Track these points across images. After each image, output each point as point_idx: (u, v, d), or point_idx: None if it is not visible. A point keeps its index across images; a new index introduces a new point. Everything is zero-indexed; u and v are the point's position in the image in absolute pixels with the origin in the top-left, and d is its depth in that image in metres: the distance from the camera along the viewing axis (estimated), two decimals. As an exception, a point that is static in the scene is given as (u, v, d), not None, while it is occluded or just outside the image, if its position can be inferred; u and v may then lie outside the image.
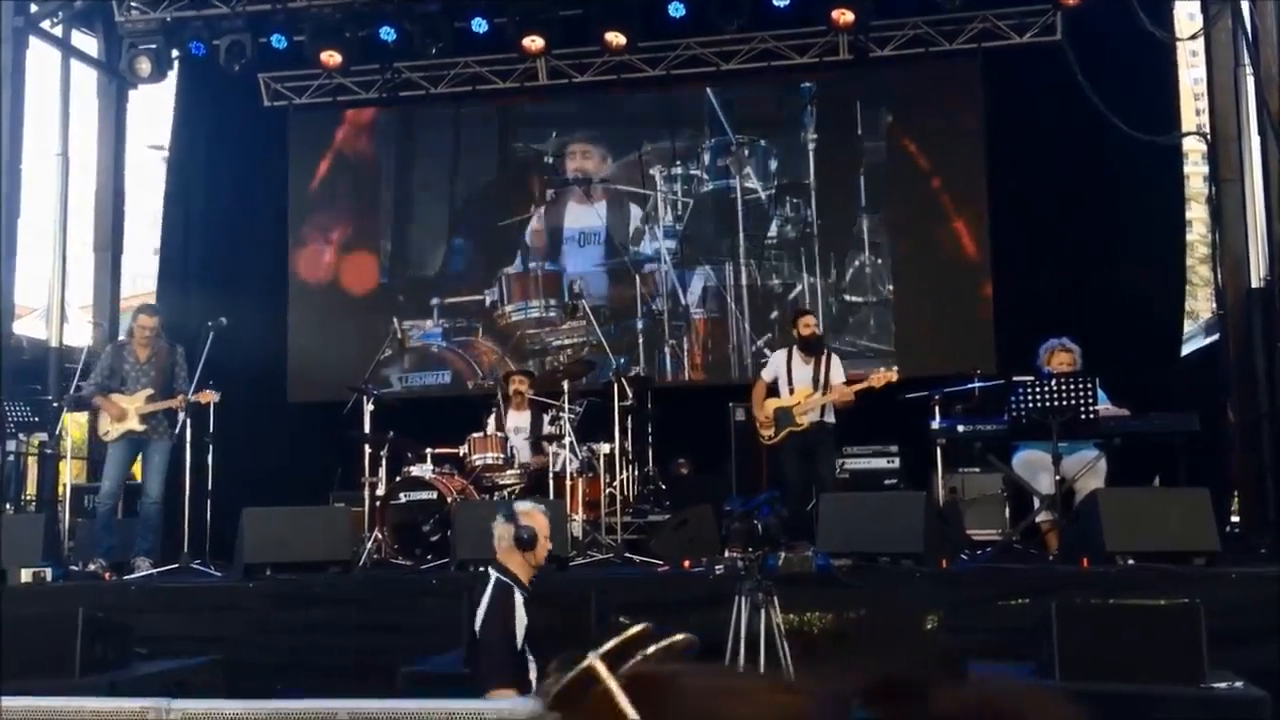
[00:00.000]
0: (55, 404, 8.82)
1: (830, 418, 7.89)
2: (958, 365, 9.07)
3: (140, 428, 7.76)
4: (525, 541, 4.80)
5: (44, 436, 9.25)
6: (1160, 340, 9.70)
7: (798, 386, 7.91)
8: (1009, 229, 10.17)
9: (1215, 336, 9.66)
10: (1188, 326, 10.43)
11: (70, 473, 9.52)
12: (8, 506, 9.30)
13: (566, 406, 8.27)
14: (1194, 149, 10.34)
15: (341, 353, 10.84)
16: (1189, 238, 10.65)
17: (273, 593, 6.69)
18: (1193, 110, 11.45)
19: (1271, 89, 8.09)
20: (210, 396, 7.75)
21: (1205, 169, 9.65)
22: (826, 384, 7.84)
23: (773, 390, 8.04)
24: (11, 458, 9.77)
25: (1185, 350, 10.13)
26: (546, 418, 8.65)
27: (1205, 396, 8.87)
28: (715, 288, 10.76)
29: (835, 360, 8.04)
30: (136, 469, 8.23)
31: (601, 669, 0.73)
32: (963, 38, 10.21)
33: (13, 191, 9.59)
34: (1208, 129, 9.25)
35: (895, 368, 7.90)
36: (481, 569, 5.30)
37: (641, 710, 0.71)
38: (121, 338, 8.14)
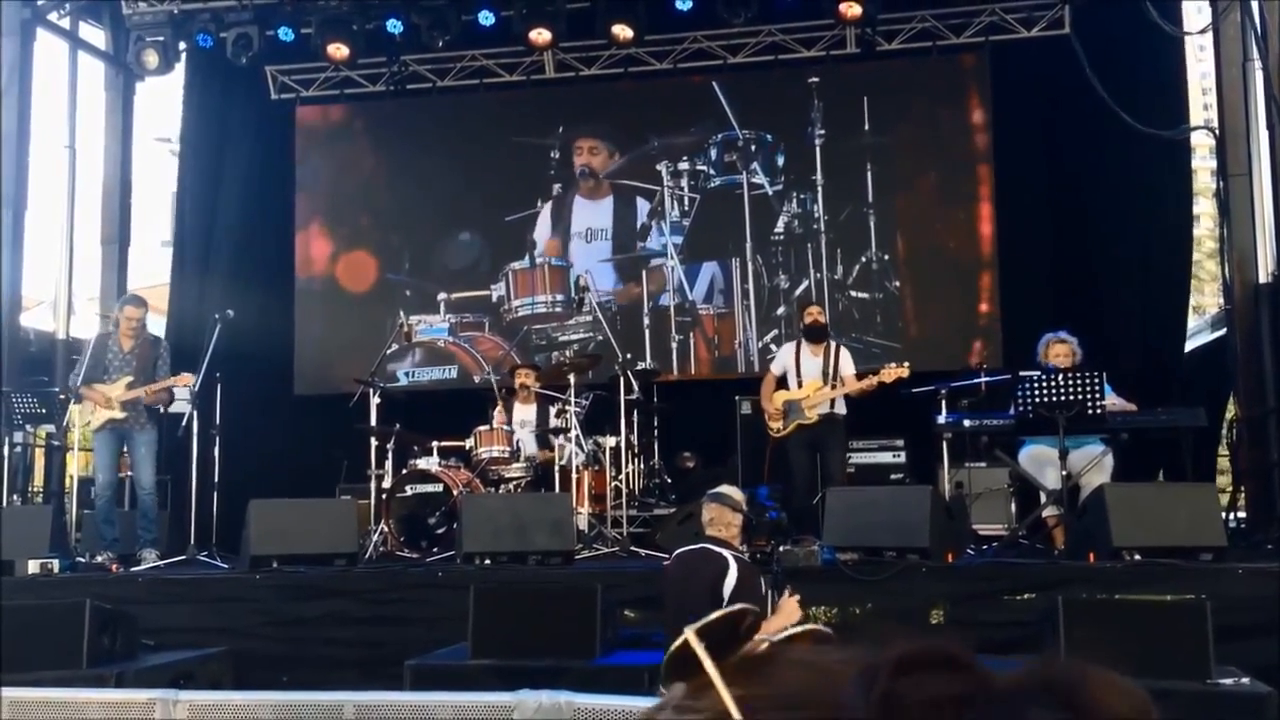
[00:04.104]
0: (62, 396, 8.83)
1: (840, 410, 7.87)
2: (964, 360, 9.08)
3: (121, 415, 7.75)
4: (754, 527, 5.10)
5: (51, 428, 9.26)
6: (1166, 335, 9.69)
7: (806, 379, 7.91)
8: (1016, 224, 10.15)
9: (1222, 331, 9.63)
10: (1194, 321, 10.40)
11: (77, 464, 9.53)
12: (15, 498, 9.33)
13: (573, 400, 8.27)
14: (1202, 144, 10.31)
15: (348, 346, 10.86)
16: (1196, 233, 10.60)
17: (279, 585, 6.69)
18: (1200, 105, 11.41)
19: (1280, 84, 8.06)
20: (187, 380, 7.76)
21: (1213, 164, 9.62)
22: (836, 376, 7.83)
23: (782, 384, 8.04)
24: (19, 449, 9.79)
25: (1191, 345, 10.10)
26: (553, 411, 8.66)
27: (1211, 391, 8.86)
28: (722, 283, 10.75)
29: (844, 353, 8.03)
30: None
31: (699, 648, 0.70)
32: (970, 31, 10.20)
33: (20, 184, 9.62)
34: (1215, 124, 9.22)
35: (906, 364, 7.84)
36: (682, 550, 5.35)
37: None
38: (109, 328, 8.15)
